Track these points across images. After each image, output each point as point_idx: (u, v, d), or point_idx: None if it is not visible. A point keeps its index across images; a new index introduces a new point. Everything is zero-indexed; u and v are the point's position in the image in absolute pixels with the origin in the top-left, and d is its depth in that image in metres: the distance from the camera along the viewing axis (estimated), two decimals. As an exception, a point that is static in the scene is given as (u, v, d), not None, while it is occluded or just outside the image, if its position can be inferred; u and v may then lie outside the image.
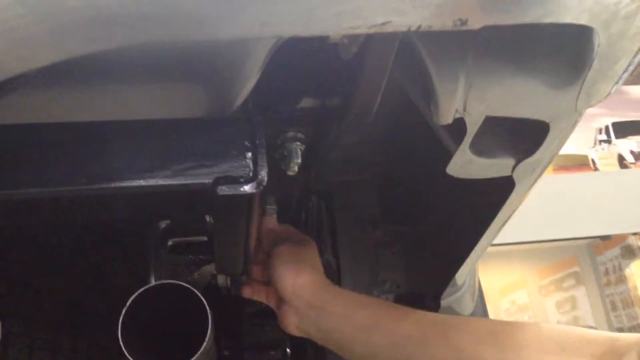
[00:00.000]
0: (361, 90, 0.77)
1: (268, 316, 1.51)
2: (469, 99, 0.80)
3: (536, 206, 7.45)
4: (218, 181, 0.65)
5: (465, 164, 0.95)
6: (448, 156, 0.96)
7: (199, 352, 0.80)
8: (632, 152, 8.54)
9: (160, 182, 0.65)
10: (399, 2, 0.58)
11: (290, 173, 0.92)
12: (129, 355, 0.79)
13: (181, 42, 0.60)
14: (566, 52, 0.76)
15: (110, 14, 0.52)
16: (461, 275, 1.42)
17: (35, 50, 0.53)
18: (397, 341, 1.03)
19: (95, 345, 1.18)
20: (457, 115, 0.83)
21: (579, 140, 8.70)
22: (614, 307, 8.94)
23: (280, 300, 1.12)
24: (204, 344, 0.81)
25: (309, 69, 0.83)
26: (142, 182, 0.65)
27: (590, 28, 0.69)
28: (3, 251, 1.05)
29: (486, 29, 0.76)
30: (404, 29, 0.61)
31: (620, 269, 8.92)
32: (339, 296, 1.13)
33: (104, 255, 1.11)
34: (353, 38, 0.71)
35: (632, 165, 8.47)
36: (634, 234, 8.06)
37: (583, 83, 0.77)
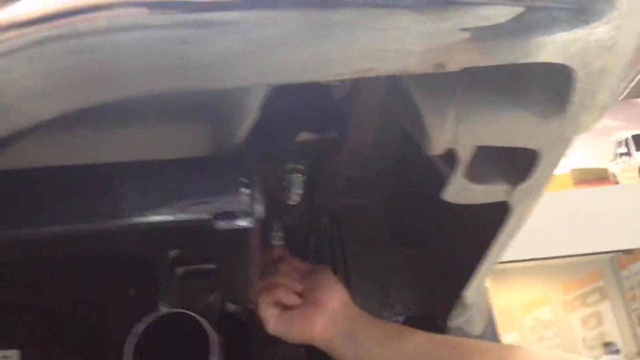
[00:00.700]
0: (353, 127, 0.81)
1: (280, 339, 1.54)
2: (459, 131, 0.84)
3: (557, 221, 7.42)
4: (217, 217, 0.70)
5: (460, 191, 0.98)
6: (444, 182, 0.99)
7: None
8: (653, 165, 8.47)
9: (163, 218, 0.70)
10: (382, 51, 0.62)
11: (291, 202, 0.96)
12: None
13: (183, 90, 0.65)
14: (549, 88, 0.80)
15: (116, 70, 0.57)
16: (470, 296, 1.44)
17: (43, 105, 0.57)
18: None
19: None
20: (448, 146, 0.86)
21: (599, 154, 8.66)
22: (640, 322, 8.81)
23: (319, 308, 1.19)
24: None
25: (306, 105, 0.87)
26: (145, 219, 0.69)
27: (568, 67, 0.72)
28: (17, 281, 1.10)
29: (471, 68, 0.80)
30: (387, 73, 0.65)
31: (645, 284, 8.81)
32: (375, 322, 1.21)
33: (115, 284, 1.16)
34: (343, 81, 0.75)
35: (653, 179, 8.39)
36: (658, 247, 7.97)
37: (567, 115, 0.80)
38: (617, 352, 9.50)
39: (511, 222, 1.07)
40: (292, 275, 1.25)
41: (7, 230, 0.67)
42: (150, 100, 0.70)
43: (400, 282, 1.64)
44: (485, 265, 1.28)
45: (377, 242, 1.67)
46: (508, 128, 0.86)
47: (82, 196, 0.71)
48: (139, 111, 0.71)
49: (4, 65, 0.52)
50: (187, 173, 0.74)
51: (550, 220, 7.23)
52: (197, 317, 0.88)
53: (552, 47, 0.66)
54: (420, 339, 1.15)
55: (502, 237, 1.12)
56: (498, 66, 0.80)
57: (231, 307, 1.18)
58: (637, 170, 8.82)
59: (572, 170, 8.31)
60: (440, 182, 1.20)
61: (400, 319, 1.62)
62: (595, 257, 8.56)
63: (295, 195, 0.95)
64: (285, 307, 1.20)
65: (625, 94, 10.13)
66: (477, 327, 1.63)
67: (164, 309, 0.89)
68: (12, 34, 0.54)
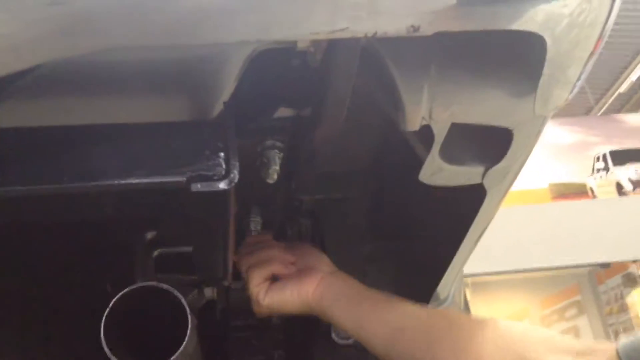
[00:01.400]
0: (329, 98, 0.82)
1: (255, 330, 1.54)
2: (434, 107, 0.85)
3: (536, 234, 7.47)
4: (192, 179, 0.70)
5: (436, 172, 0.99)
6: (420, 166, 1.00)
7: (177, 353, 0.84)
8: (630, 180, 8.59)
9: (136, 180, 0.70)
10: (355, 10, 0.63)
11: (269, 181, 0.96)
12: (112, 355, 0.82)
13: (158, 48, 0.66)
14: (521, 62, 0.81)
15: (95, 15, 0.57)
16: (444, 288, 1.45)
17: (16, 55, 0.58)
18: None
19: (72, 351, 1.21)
20: (424, 122, 0.87)
21: (577, 169, 8.76)
22: (617, 336, 8.87)
23: (312, 273, 1.22)
24: (182, 345, 0.85)
25: (283, 81, 0.88)
26: (119, 181, 0.70)
27: (540, 36, 0.74)
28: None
29: (446, 41, 0.82)
30: (361, 34, 0.66)
31: (622, 298, 8.88)
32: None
33: (90, 266, 1.15)
34: (317, 46, 0.76)
35: (630, 193, 8.50)
36: (634, 261, 8.05)
37: (538, 90, 0.82)
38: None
39: (486, 205, 1.08)
40: (280, 249, 1.27)
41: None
42: (130, 66, 0.71)
43: (378, 276, 1.65)
44: (462, 254, 1.29)
45: (356, 236, 1.68)
46: (481, 105, 0.88)
47: (55, 157, 0.71)
48: (119, 77, 0.72)
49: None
50: (163, 137, 0.75)
51: (529, 233, 7.29)
52: (172, 289, 0.88)
53: (528, 16, 0.68)
54: (413, 307, 1.20)
55: (478, 221, 1.13)
56: (471, 45, 0.82)
57: (207, 292, 1.18)
58: (615, 185, 8.93)
59: (550, 184, 8.40)
60: (411, 171, 1.21)
61: (378, 312, 1.62)
62: (574, 271, 8.62)
63: (273, 173, 0.95)
64: (274, 281, 1.22)
65: (603, 109, 10.29)
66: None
67: (137, 284, 0.89)
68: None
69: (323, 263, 1.30)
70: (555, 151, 8.39)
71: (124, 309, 0.86)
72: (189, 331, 0.85)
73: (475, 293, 7.78)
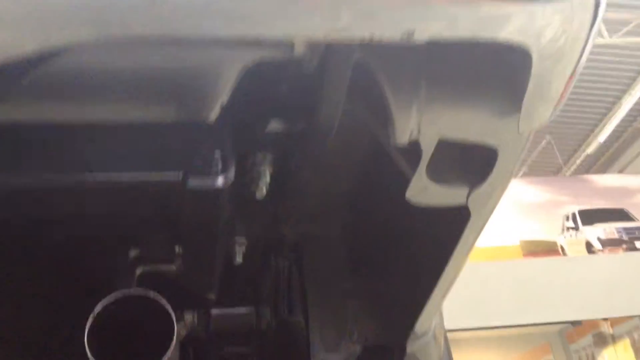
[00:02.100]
0: (323, 107, 0.84)
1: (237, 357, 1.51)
2: (423, 121, 0.88)
3: (507, 291, 7.50)
4: (188, 175, 0.71)
5: (422, 190, 1.01)
6: (405, 188, 1.02)
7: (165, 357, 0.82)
8: (599, 239, 8.71)
9: (133, 176, 0.70)
10: (354, 11, 0.66)
11: (259, 195, 0.97)
12: (95, 360, 0.81)
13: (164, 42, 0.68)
14: (507, 77, 0.85)
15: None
16: (425, 322, 1.45)
17: (24, 39, 0.59)
18: None
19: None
20: (413, 137, 0.90)
21: (548, 227, 8.88)
22: (589, 396, 8.83)
23: None
24: (168, 352, 0.83)
25: (275, 96, 0.90)
26: (116, 176, 0.70)
27: (526, 53, 0.77)
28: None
29: (435, 55, 0.85)
30: (358, 38, 0.68)
31: (593, 358, 8.87)
32: None
33: (76, 279, 1.13)
34: (313, 51, 0.79)
35: (599, 252, 8.61)
36: (605, 319, 8.08)
37: (523, 106, 0.85)
38: None
39: (470, 227, 1.10)
40: None
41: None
42: (132, 68, 0.73)
43: (358, 311, 1.64)
44: (443, 282, 1.30)
45: (336, 272, 1.68)
46: (467, 122, 0.91)
47: (56, 152, 0.71)
48: (122, 79, 0.73)
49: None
50: (161, 136, 0.76)
51: (501, 290, 7.31)
52: (157, 296, 0.87)
53: (514, 23, 0.71)
54: None
55: (461, 244, 1.14)
56: (460, 59, 0.85)
57: (188, 317, 1.16)
58: (584, 244, 9.04)
59: (521, 241, 8.48)
60: (398, 210, 1.23)
61: (358, 347, 1.61)
62: (545, 329, 8.62)
63: (263, 186, 0.96)
64: None
65: (571, 170, 10.52)
66: (433, 355, 1.63)
67: (123, 290, 0.88)
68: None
69: None
70: (526, 209, 8.52)
71: (108, 317, 0.85)
72: (174, 337, 0.84)
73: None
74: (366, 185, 1.39)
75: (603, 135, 9.54)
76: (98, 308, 0.85)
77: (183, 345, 1.14)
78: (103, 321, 0.85)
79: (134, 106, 0.77)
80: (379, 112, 0.91)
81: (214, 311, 1.25)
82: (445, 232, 1.16)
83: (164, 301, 0.86)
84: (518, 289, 7.40)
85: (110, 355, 0.86)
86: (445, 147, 0.95)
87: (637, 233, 8.76)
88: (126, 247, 1.06)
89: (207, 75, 0.77)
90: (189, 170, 0.72)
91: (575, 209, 8.92)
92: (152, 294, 0.87)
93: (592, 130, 9.67)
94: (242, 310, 1.40)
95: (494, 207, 1.11)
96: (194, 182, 0.71)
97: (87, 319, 0.92)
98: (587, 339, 8.88)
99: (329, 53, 0.78)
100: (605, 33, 7.18)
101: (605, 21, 6.93)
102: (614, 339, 8.59)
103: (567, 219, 8.98)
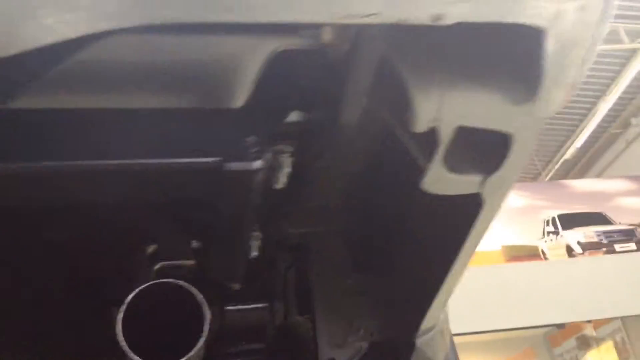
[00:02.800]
0: (348, 94, 0.85)
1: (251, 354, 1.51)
2: (442, 108, 0.90)
3: (490, 295, 7.56)
4: (224, 159, 0.72)
5: (437, 180, 1.03)
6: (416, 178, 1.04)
7: (196, 348, 0.82)
8: (579, 243, 8.83)
9: (171, 160, 0.71)
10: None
11: (278, 186, 0.98)
12: (128, 350, 0.80)
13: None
14: (523, 65, 0.87)
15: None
16: (431, 317, 1.46)
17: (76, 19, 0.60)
18: None
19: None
20: (431, 124, 0.92)
21: (529, 232, 8.98)
22: (575, 399, 8.90)
23: None
24: (199, 343, 0.83)
25: (298, 84, 0.91)
26: (153, 160, 0.71)
27: (544, 37, 0.80)
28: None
29: (455, 47, 0.87)
30: (388, 22, 0.70)
31: (577, 360, 8.97)
32: None
33: (96, 277, 1.13)
34: (341, 37, 0.80)
35: (580, 255, 8.73)
36: (588, 322, 8.19)
37: (539, 92, 0.87)
38: None
39: (482, 216, 1.12)
40: None
41: (16, 165, 0.68)
42: (164, 57, 0.74)
43: (363, 308, 1.65)
44: (453, 274, 1.32)
45: (339, 269, 1.69)
46: (485, 109, 0.93)
47: (96, 137, 0.72)
48: (155, 67, 0.75)
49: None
50: (196, 122, 0.77)
51: (484, 294, 7.36)
52: (188, 286, 0.87)
53: (534, 6, 0.74)
54: None
55: (473, 234, 1.16)
56: (480, 44, 0.88)
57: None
58: (565, 247, 9.14)
59: (503, 246, 8.56)
60: (407, 202, 1.24)
61: (365, 343, 1.62)
62: (529, 332, 8.69)
63: (284, 176, 0.97)
64: None
65: (549, 175, 10.66)
66: (440, 351, 1.64)
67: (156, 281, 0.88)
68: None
69: None
70: (506, 214, 8.60)
71: (139, 307, 0.85)
72: (206, 328, 0.84)
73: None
74: (373, 177, 1.40)
75: (580, 141, 9.70)
76: (130, 297, 0.85)
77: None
78: (134, 310, 0.85)
79: (163, 94, 0.78)
80: (396, 99, 0.92)
81: (229, 307, 1.26)
82: (456, 223, 1.18)
83: (195, 291, 0.87)
84: (501, 294, 7.46)
85: (141, 344, 0.85)
86: (461, 135, 0.97)
87: (615, 236, 8.89)
88: (145, 240, 1.07)
89: (234, 62, 0.78)
90: (224, 155, 0.73)
91: (555, 213, 9.04)
92: (184, 284, 0.87)
93: (569, 136, 9.82)
94: (256, 306, 1.40)
95: (506, 196, 1.13)
96: (229, 167, 0.72)
97: (108, 310, 0.92)
98: (571, 342, 8.97)
99: (357, 39, 0.80)
100: (580, 40, 7.30)
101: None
102: (598, 341, 8.69)
103: (547, 223, 9.09)
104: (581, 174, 10.82)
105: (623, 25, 7.74)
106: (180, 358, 0.84)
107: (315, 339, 1.57)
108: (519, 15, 0.75)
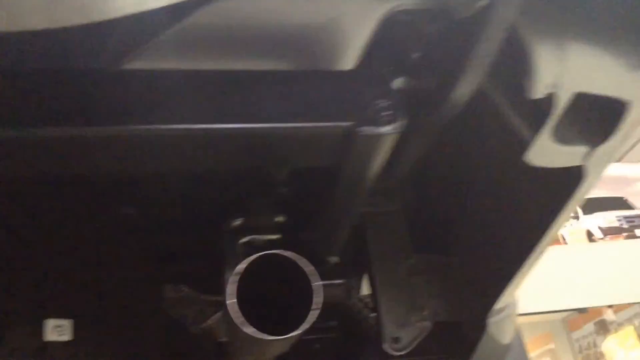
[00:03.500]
0: (473, 59, 0.80)
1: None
2: (563, 72, 0.85)
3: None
4: (359, 123, 0.67)
5: (543, 151, 0.98)
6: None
7: (308, 320, 0.79)
8: (600, 228, 8.76)
9: (305, 124, 0.67)
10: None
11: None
12: (243, 322, 0.78)
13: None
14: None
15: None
16: (505, 298, 1.42)
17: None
18: None
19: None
20: (549, 90, 0.87)
21: (548, 217, 8.93)
22: (593, 384, 8.88)
23: None
24: (308, 317, 0.80)
25: (405, 47, 0.86)
26: (286, 125, 0.66)
27: None
28: (69, 252, 1.03)
29: (578, 4, 0.82)
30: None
31: (596, 345, 8.92)
32: None
33: (180, 251, 1.10)
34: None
35: (600, 241, 8.66)
36: (609, 306, 8.13)
37: None
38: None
39: (580, 190, 1.07)
40: None
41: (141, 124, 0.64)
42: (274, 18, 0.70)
43: (427, 287, 1.61)
44: (537, 252, 1.27)
45: (400, 248, 1.65)
46: (607, 74, 0.88)
47: (223, 99, 0.68)
48: (271, 30, 0.71)
49: None
50: (321, 84, 0.72)
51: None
52: (298, 257, 0.83)
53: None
54: None
55: (567, 209, 1.11)
56: (601, 16, 0.83)
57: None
58: (585, 233, 9.07)
59: (523, 231, 8.48)
60: (485, 183, 1.18)
61: (428, 324, 1.58)
62: (547, 317, 8.65)
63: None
64: None
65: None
66: (507, 334, 1.61)
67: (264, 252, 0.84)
68: None
69: None
70: (527, 199, 8.54)
71: (248, 279, 0.82)
72: (316, 300, 0.80)
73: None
74: (455, 152, 1.35)
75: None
76: (241, 267, 0.81)
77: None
78: (244, 281, 0.81)
79: (276, 56, 0.74)
80: (512, 65, 0.88)
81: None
82: (550, 199, 1.13)
83: (305, 262, 0.83)
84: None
85: (249, 315, 0.82)
86: (575, 103, 0.92)
87: (636, 221, 8.81)
88: (229, 215, 1.03)
89: (346, 22, 0.73)
90: (359, 118, 0.69)
91: (575, 198, 8.97)
92: (294, 255, 0.83)
93: (590, 120, 9.73)
94: (337, 282, 1.37)
95: (606, 168, 1.09)
96: (364, 131, 0.68)
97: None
98: (589, 327, 8.93)
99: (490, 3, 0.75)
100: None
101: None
102: (617, 326, 8.64)
103: (567, 208, 9.00)
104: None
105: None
106: (293, 330, 0.80)
107: (380, 318, 1.53)
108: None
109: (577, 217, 8.95)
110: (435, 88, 0.89)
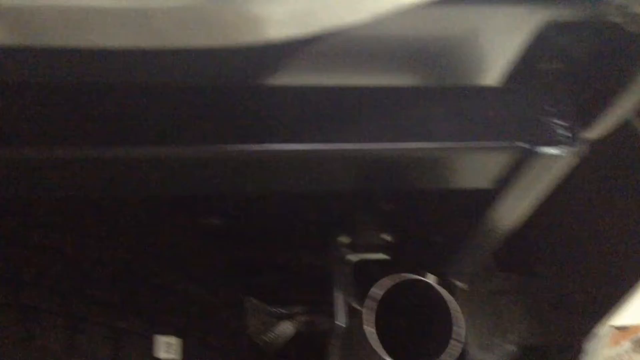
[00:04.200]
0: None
1: None
2: None
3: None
4: (537, 142, 0.62)
5: None
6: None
7: (448, 352, 0.74)
8: None
9: (471, 144, 0.62)
10: None
11: None
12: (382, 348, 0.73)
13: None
14: None
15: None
16: (609, 319, 1.35)
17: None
18: None
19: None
20: None
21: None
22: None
23: None
24: (448, 348, 0.75)
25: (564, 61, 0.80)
26: (450, 144, 0.61)
27: None
28: (177, 266, 1.00)
29: None
30: None
31: (633, 363, 8.75)
32: None
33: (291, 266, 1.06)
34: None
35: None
36: (650, 324, 7.96)
37: None
38: None
39: None
40: None
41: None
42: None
43: (511, 308, 1.54)
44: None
45: (482, 266, 1.59)
46: None
47: (388, 117, 0.63)
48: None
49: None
50: (477, 101, 0.67)
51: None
52: (435, 285, 0.78)
53: None
54: None
55: None
56: None
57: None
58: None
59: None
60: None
61: (514, 347, 1.51)
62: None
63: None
64: None
65: None
66: (601, 355, 1.53)
67: (400, 275, 0.79)
68: None
69: None
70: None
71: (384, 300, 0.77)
72: (462, 331, 0.75)
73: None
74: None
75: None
76: (377, 293, 0.77)
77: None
78: (379, 307, 0.76)
79: (425, 71, 0.69)
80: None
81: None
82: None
83: (446, 294, 0.78)
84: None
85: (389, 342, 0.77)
86: None
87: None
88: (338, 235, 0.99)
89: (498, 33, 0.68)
90: (533, 137, 0.63)
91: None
92: (432, 281, 0.78)
93: None
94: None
95: None
96: (544, 150, 0.62)
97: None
98: (626, 345, 8.73)
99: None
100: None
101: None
102: (657, 344, 8.43)
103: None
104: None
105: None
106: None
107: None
108: None
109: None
110: (587, 109, 0.82)
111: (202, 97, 0.65)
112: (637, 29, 0.72)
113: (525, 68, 0.72)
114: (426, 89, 0.67)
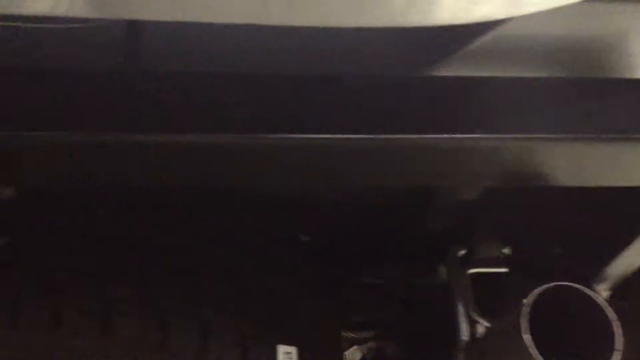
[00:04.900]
0: None
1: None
2: None
3: None
4: None
5: None
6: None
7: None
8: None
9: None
10: None
11: None
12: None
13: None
14: None
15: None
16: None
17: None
18: None
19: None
20: None
21: None
22: None
23: None
24: (614, 356, 0.73)
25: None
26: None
27: None
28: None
29: None
30: None
31: None
32: None
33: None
34: None
35: None
36: None
37: None
38: None
39: None
40: None
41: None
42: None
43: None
44: None
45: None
46: None
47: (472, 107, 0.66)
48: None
49: None
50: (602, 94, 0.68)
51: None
52: (592, 294, 0.78)
53: None
54: None
55: None
56: None
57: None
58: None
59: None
60: None
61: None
62: None
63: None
64: None
65: None
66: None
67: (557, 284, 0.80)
68: None
69: None
70: None
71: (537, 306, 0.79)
72: (616, 345, 0.74)
73: None
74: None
75: None
76: (530, 299, 0.78)
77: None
78: (532, 313, 0.78)
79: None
80: None
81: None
82: None
83: (603, 303, 0.77)
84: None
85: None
86: None
87: None
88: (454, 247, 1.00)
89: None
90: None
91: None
92: (589, 290, 0.78)
93: None
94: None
95: None
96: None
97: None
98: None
99: None
100: None
101: None
102: None
103: None
104: None
105: None
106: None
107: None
108: None
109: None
110: None
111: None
112: None
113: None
114: (588, 80, 0.70)
